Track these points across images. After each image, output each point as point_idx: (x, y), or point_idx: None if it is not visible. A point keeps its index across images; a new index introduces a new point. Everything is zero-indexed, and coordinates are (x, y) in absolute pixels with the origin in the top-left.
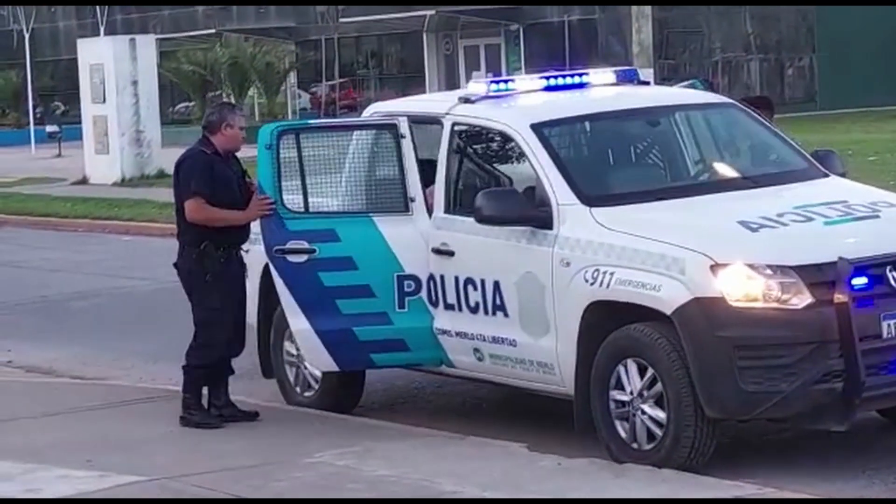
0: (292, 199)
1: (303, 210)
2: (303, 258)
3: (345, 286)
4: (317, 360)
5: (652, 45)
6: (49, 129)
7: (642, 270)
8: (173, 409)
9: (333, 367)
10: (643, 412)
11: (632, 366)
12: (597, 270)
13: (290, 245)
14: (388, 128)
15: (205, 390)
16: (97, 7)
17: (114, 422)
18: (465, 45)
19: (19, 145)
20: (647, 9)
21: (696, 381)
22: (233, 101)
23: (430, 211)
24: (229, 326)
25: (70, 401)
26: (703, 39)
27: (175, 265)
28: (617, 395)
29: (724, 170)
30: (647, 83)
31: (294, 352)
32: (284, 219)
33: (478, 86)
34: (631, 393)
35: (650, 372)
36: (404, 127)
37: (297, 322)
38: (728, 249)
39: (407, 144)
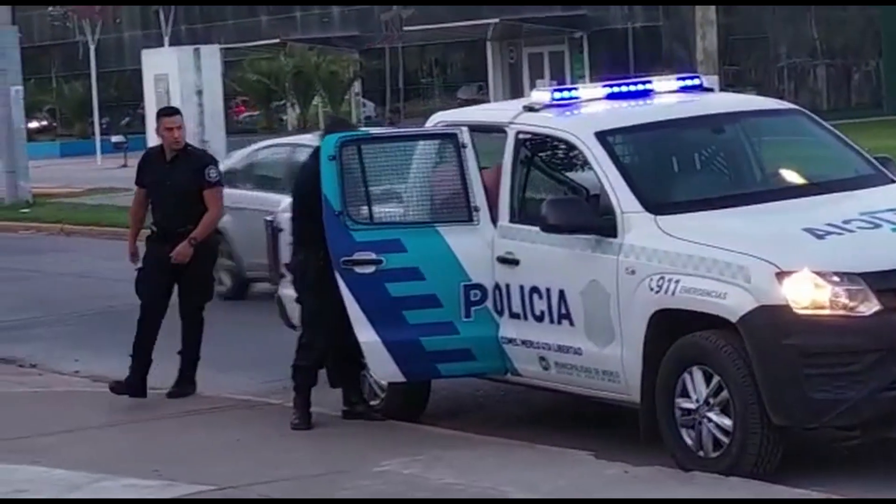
0: (357, 210)
1: (368, 221)
2: (370, 269)
3: (411, 296)
4: (383, 371)
5: (717, 52)
6: (115, 139)
7: (708, 278)
8: (239, 418)
9: (400, 378)
10: (709, 420)
11: (697, 373)
12: (662, 278)
13: (357, 256)
14: (449, 137)
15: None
16: (162, 18)
17: (180, 431)
18: (529, 52)
19: (85, 156)
20: (712, 15)
21: (762, 389)
22: (297, 109)
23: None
24: (330, 328)
25: (137, 410)
26: (768, 45)
27: (286, 265)
28: (683, 402)
29: (790, 176)
30: (712, 90)
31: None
32: (350, 230)
33: (541, 94)
34: (697, 401)
35: (716, 379)
36: (465, 136)
37: (364, 333)
38: (794, 257)
39: (469, 154)
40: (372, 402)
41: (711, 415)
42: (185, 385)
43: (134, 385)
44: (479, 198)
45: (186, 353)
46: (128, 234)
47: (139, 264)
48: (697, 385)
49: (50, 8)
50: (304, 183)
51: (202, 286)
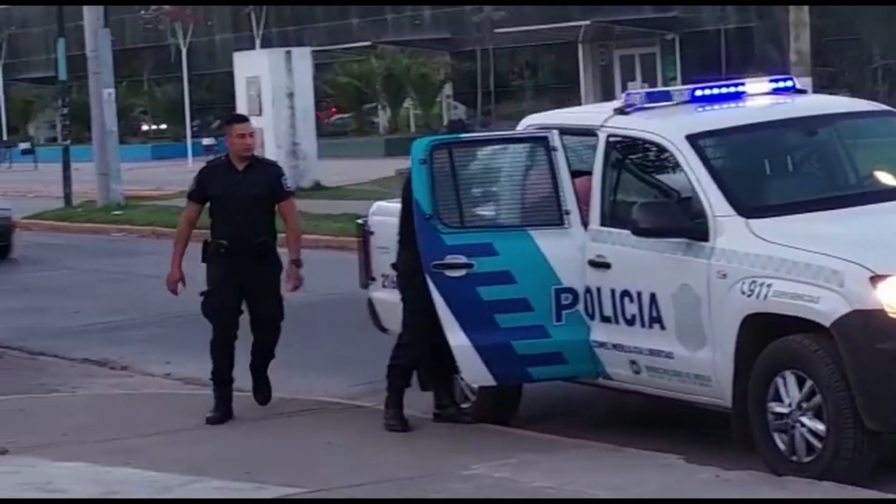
0: (448, 214)
1: (459, 224)
2: (461, 272)
3: (503, 300)
4: (474, 374)
5: (809, 53)
6: (206, 141)
7: (800, 282)
8: (329, 420)
9: (490, 382)
10: (802, 424)
11: (790, 378)
12: (754, 282)
13: (448, 259)
14: (539, 141)
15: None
16: (253, 20)
17: (271, 434)
18: (620, 55)
19: (177, 158)
20: (805, 16)
21: (855, 393)
22: (388, 112)
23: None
24: (430, 329)
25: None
26: (861, 47)
27: (392, 264)
28: (775, 407)
29: (883, 179)
30: (804, 92)
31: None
32: (441, 233)
33: (633, 97)
34: (789, 405)
35: (809, 384)
36: (556, 139)
37: (455, 337)
38: (888, 260)
39: (559, 157)
40: (463, 405)
41: (804, 419)
42: (265, 390)
43: (227, 413)
44: (570, 201)
45: (261, 366)
46: (173, 254)
47: (182, 288)
48: (790, 389)
49: (142, 11)
50: (408, 185)
51: (279, 301)
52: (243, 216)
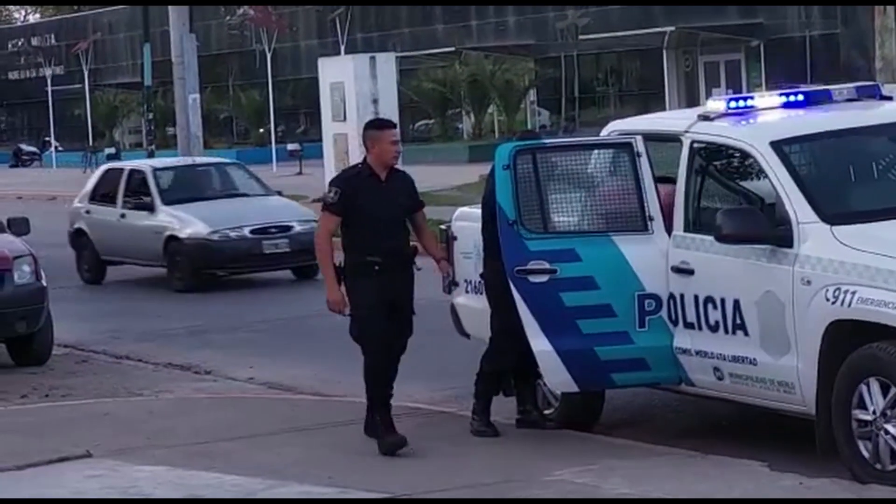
0: (531, 219)
1: (542, 230)
2: (544, 278)
3: (586, 306)
4: (557, 380)
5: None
6: (290, 146)
7: (884, 289)
8: (412, 426)
9: (573, 388)
10: (886, 432)
11: (874, 385)
12: (838, 289)
13: (531, 265)
14: (623, 146)
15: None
16: (338, 26)
17: (354, 439)
18: (704, 61)
19: (261, 163)
20: (891, 22)
21: None
22: (472, 118)
23: (665, 211)
24: (519, 336)
25: (311, 417)
26: None
27: (480, 274)
28: (859, 414)
29: None
30: (891, 98)
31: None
32: (525, 239)
33: (717, 103)
34: (874, 412)
35: (893, 391)
36: (640, 145)
37: (538, 342)
38: None
39: (643, 163)
40: (546, 411)
41: (889, 427)
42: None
43: (397, 434)
44: (653, 207)
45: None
46: (325, 274)
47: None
48: (874, 396)
49: (228, 17)
50: (491, 192)
51: (411, 316)
52: (394, 227)
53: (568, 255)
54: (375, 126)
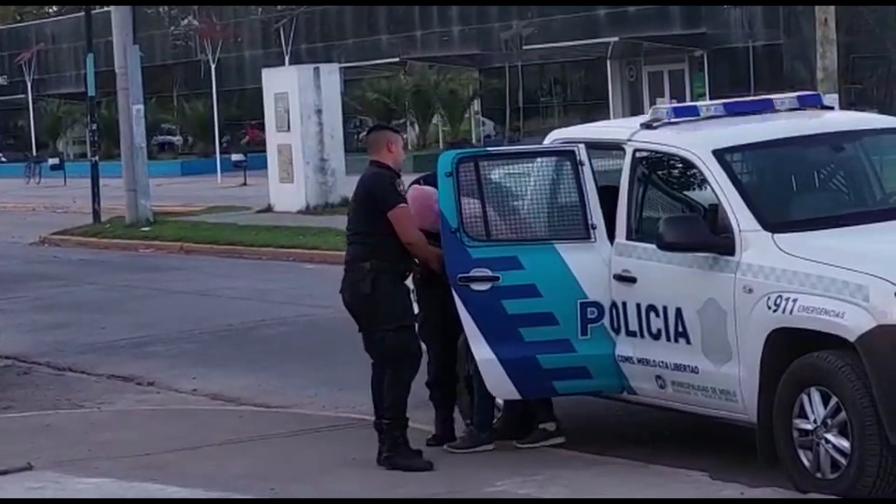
0: (474, 227)
1: (485, 237)
2: (486, 286)
3: (528, 314)
4: (499, 388)
5: (836, 71)
6: (235, 157)
7: (825, 297)
8: (358, 437)
9: (515, 396)
10: (827, 441)
11: (815, 394)
12: (779, 297)
13: (474, 273)
14: (566, 155)
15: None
16: (282, 37)
17: (298, 450)
18: (648, 71)
19: (206, 174)
20: (832, 33)
21: (881, 410)
22: (417, 128)
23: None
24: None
25: (255, 429)
26: (890, 64)
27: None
28: (800, 423)
29: None
30: (832, 108)
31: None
32: (467, 247)
33: (659, 112)
34: (815, 421)
35: (834, 400)
36: (583, 154)
37: (481, 351)
38: None
39: (586, 171)
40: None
41: (829, 436)
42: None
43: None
44: (596, 215)
45: None
46: (430, 256)
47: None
48: (815, 406)
49: (172, 27)
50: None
51: None
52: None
53: (510, 263)
54: (393, 129)
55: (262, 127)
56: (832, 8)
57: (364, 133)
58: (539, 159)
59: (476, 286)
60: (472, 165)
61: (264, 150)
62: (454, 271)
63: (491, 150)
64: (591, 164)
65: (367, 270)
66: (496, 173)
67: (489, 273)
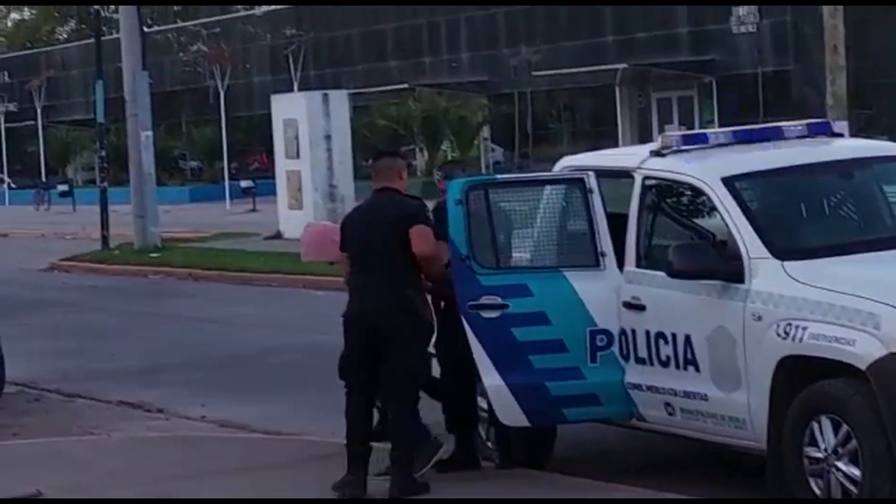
0: (484, 254)
1: (494, 265)
2: (496, 313)
3: (537, 341)
4: (508, 415)
5: (846, 97)
6: (244, 184)
7: (836, 325)
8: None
9: (524, 423)
10: (837, 469)
11: (826, 422)
12: (789, 325)
13: (483, 300)
14: (576, 182)
15: None
16: (291, 63)
17: (308, 477)
18: (657, 97)
19: (215, 200)
20: (842, 60)
21: (892, 438)
22: (426, 154)
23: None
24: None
25: (264, 456)
26: None
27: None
28: (811, 451)
29: None
30: (841, 135)
31: (485, 406)
32: (477, 274)
33: (669, 139)
34: (825, 450)
35: (844, 428)
36: (592, 181)
37: (490, 378)
38: None
39: (595, 199)
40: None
41: (840, 464)
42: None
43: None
44: (605, 243)
45: None
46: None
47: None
48: (825, 433)
49: (181, 53)
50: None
51: None
52: None
53: (520, 291)
54: (402, 155)
55: (270, 153)
56: (842, 34)
57: (372, 160)
58: (549, 187)
59: (486, 313)
60: (482, 193)
61: (273, 176)
62: (464, 298)
63: (500, 178)
64: (600, 191)
65: (403, 293)
66: (506, 200)
67: (499, 300)
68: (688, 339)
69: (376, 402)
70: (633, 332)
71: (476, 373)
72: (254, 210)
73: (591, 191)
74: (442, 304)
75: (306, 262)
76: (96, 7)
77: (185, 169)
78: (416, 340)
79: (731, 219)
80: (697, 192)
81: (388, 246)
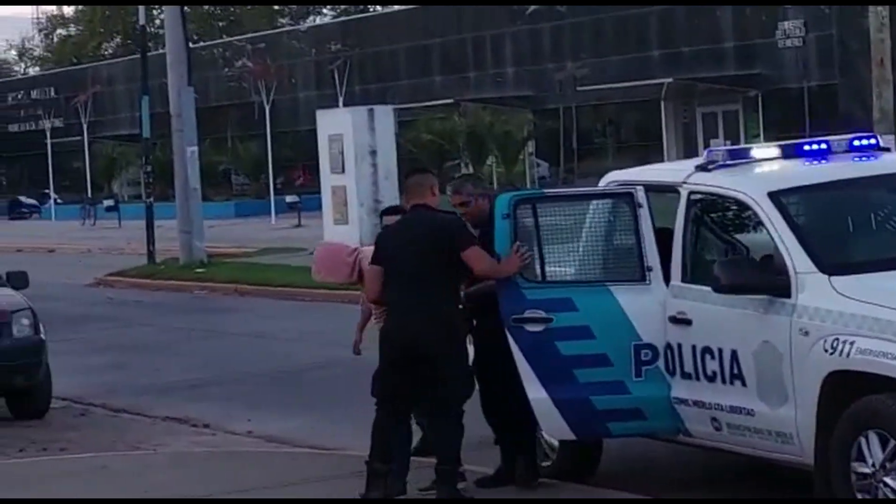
0: (530, 268)
1: (540, 279)
2: (540, 327)
3: (582, 355)
4: (553, 428)
5: (893, 111)
6: (289, 199)
7: (883, 339)
8: (412, 478)
9: (570, 436)
10: (885, 485)
11: (873, 437)
12: (836, 339)
13: (528, 314)
14: (624, 197)
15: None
16: (336, 78)
17: (353, 492)
18: (702, 112)
19: (260, 215)
20: (888, 73)
21: None
22: (471, 169)
23: None
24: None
25: (309, 471)
26: None
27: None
28: (858, 466)
29: None
30: (888, 150)
31: None
32: (522, 288)
33: (715, 154)
34: (873, 465)
35: (892, 443)
36: (641, 196)
37: (534, 391)
38: None
39: (643, 213)
40: (544, 463)
41: (888, 479)
42: None
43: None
44: (652, 257)
45: None
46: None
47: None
48: (873, 449)
49: (226, 69)
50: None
51: None
52: None
53: (564, 305)
54: (432, 172)
55: (312, 168)
56: (888, 48)
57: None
58: (596, 201)
59: (530, 327)
60: (530, 207)
61: (319, 192)
62: (508, 312)
63: (549, 193)
64: (649, 206)
65: (440, 308)
66: (553, 215)
67: (543, 314)
68: (734, 353)
69: (413, 417)
70: (679, 346)
71: (520, 386)
72: (299, 225)
73: (639, 205)
74: (474, 321)
75: (317, 280)
76: (142, 23)
77: (234, 184)
78: (455, 355)
79: (778, 234)
80: (744, 206)
81: (426, 263)
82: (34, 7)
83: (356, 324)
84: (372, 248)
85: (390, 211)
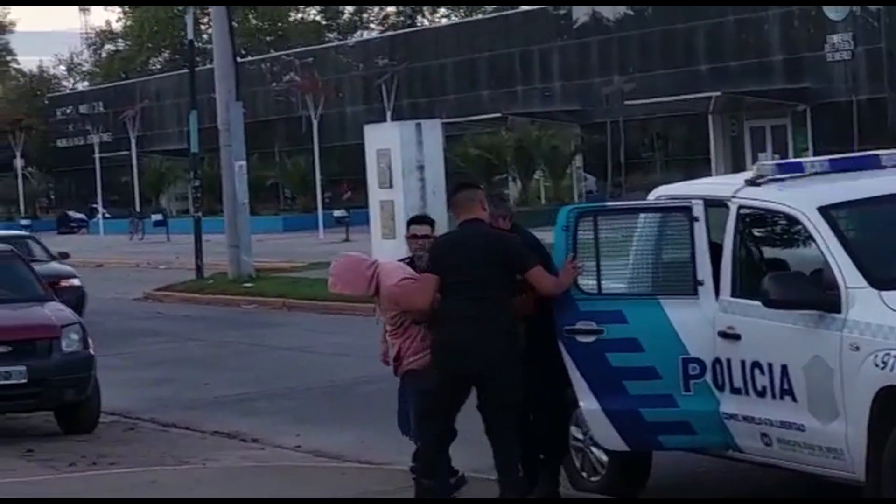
0: (586, 281)
1: (596, 291)
2: (591, 338)
3: (631, 367)
4: (606, 438)
5: None
6: (337, 213)
7: None
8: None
9: (623, 447)
10: None
11: None
12: (887, 354)
13: (579, 325)
14: (682, 210)
15: None
16: (384, 93)
17: None
18: (750, 126)
19: (308, 230)
20: None
21: None
22: (519, 184)
23: None
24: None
25: (359, 485)
26: None
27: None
28: None
29: None
30: None
31: (580, 436)
32: (576, 299)
33: (764, 168)
34: None
35: None
36: (699, 210)
37: (587, 401)
38: None
39: (700, 227)
40: (593, 478)
41: None
42: None
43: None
44: (704, 272)
45: None
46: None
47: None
48: None
49: (274, 83)
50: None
51: None
52: None
53: (614, 317)
54: (479, 186)
55: (357, 183)
56: None
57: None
58: (654, 214)
59: (581, 338)
60: (591, 219)
61: (366, 206)
62: (561, 323)
63: (610, 205)
64: (706, 220)
65: (497, 321)
66: (612, 228)
67: (594, 326)
68: (784, 368)
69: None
70: (729, 361)
71: (567, 399)
72: (347, 240)
73: (696, 219)
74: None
75: (333, 292)
76: (190, 38)
77: (284, 198)
78: (515, 364)
79: (828, 248)
80: (793, 221)
81: (486, 276)
82: (83, 22)
83: (379, 339)
84: (391, 262)
85: (416, 220)
